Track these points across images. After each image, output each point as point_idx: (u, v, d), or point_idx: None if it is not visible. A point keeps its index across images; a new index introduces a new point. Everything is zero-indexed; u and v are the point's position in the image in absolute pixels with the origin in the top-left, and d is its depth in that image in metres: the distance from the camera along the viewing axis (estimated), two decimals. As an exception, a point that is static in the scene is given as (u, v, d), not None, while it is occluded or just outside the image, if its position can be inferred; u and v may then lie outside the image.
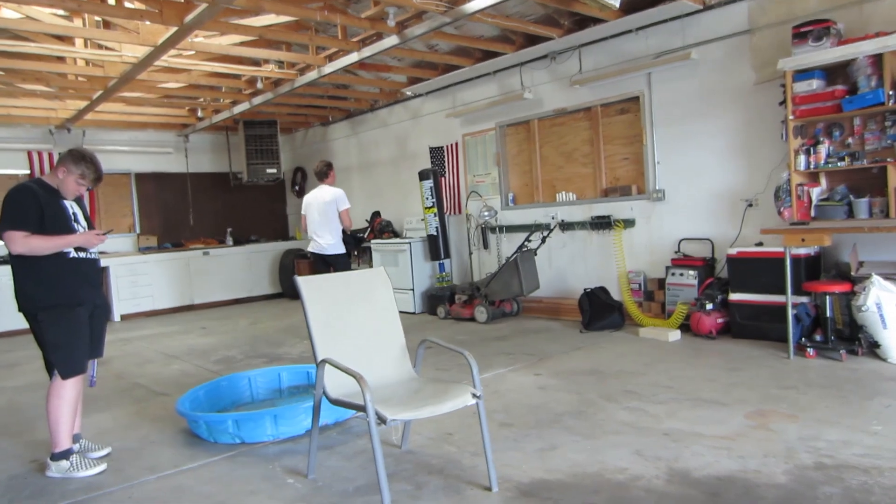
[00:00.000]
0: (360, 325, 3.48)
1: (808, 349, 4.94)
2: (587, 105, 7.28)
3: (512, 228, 8.28)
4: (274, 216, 12.70)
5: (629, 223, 6.96)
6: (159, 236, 11.07)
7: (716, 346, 5.55)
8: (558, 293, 7.80)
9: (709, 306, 5.81)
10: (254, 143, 10.69)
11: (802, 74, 5.19)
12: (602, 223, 7.21)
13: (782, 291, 5.16)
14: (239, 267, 11.37)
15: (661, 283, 6.58)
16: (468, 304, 7.97)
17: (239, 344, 7.37)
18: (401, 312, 7.68)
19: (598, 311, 6.73)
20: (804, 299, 5.25)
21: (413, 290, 8.73)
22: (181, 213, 11.43)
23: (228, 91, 8.97)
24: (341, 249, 7.01)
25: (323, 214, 6.89)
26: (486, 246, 8.62)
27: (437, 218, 8.63)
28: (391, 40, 6.40)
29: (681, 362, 5.13)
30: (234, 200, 11.97)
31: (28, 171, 9.96)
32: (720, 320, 5.83)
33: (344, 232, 7.04)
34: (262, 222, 12.41)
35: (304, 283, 3.35)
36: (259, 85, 8.11)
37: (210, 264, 11.02)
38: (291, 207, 12.75)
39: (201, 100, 9.37)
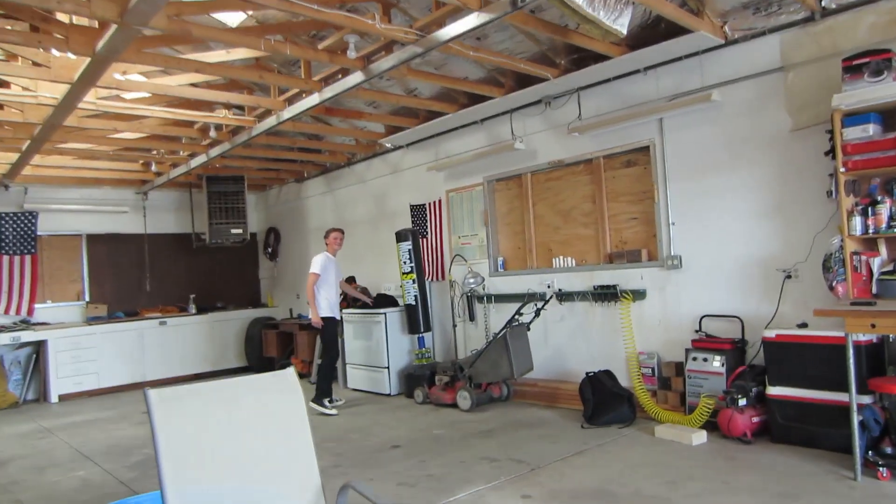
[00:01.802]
0: (246, 459, 2.32)
1: (881, 468, 3.75)
2: (588, 156, 6.28)
3: (501, 298, 7.16)
4: (244, 281, 11.58)
5: (639, 294, 5.85)
6: (110, 304, 9.91)
7: (754, 456, 4.34)
8: (556, 375, 6.61)
9: (742, 402, 4.63)
10: (218, 201, 9.68)
11: (855, 118, 4.18)
12: (606, 294, 6.10)
13: (837, 388, 4.08)
14: (201, 338, 10.18)
15: (680, 368, 5.41)
16: (450, 386, 6.77)
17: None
18: (375, 395, 6.32)
19: (603, 400, 5.54)
20: (867, 399, 4.08)
21: (388, 368, 7.53)
22: (137, 278, 10.31)
23: (185, 142, 8.01)
24: (325, 314, 6.91)
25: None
26: (472, 318, 7.48)
27: (416, 285, 7.53)
28: (356, 77, 5.44)
29: (714, 481, 3.92)
30: (198, 264, 10.86)
31: (-35, 232, 8.90)
32: (756, 419, 4.65)
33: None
34: (231, 288, 11.27)
35: (157, 395, 2.22)
36: (212, 133, 7.13)
37: (167, 335, 9.84)
38: (265, 271, 11.66)
39: (154, 152, 8.39)
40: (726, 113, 5.20)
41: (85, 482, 4.87)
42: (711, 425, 4.84)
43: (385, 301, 7.98)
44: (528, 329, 6.45)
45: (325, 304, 6.91)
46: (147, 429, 5.95)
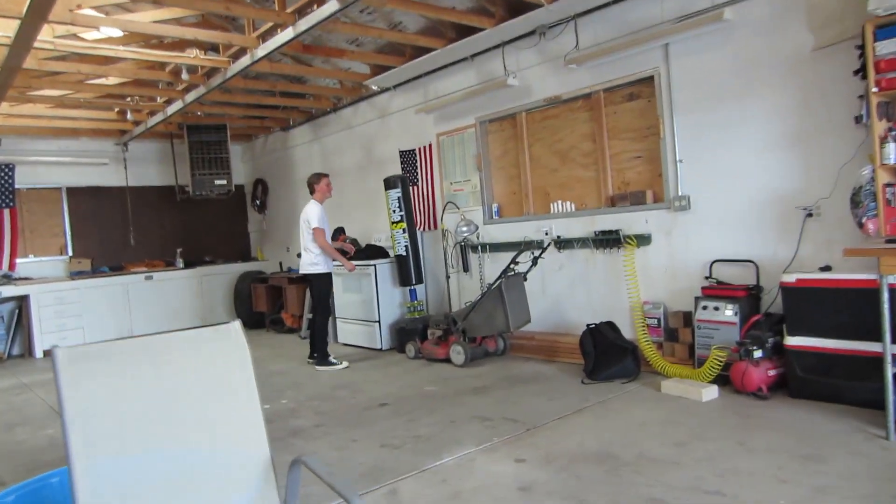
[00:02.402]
0: (179, 427, 1.95)
1: (915, 424, 3.39)
2: (587, 91, 5.77)
3: (497, 246, 6.75)
4: (233, 234, 11.18)
5: (643, 239, 5.43)
6: (95, 259, 9.54)
7: (771, 412, 3.98)
8: (554, 328, 6.25)
9: (757, 354, 4.25)
10: (200, 151, 9.20)
11: (890, 30, 3.68)
12: (608, 240, 5.68)
13: (867, 336, 3.67)
14: (189, 293, 9.85)
15: (688, 318, 5.03)
16: (443, 341, 6.42)
17: (151, 397, 5.83)
18: (365, 349, 5.94)
19: (605, 353, 5.18)
20: (897, 347, 3.69)
21: (379, 322, 7.18)
22: (121, 232, 9.91)
23: (159, 87, 7.50)
24: (317, 269, 6.48)
25: (301, 232, 6.56)
26: (465, 268, 7.09)
27: (406, 235, 7.11)
28: (331, 6, 4.91)
29: (728, 440, 3.56)
30: (184, 217, 10.46)
31: (-63, 187, 8.48)
32: (772, 372, 4.28)
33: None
34: (220, 242, 10.89)
35: (66, 355, 1.83)
36: (185, 76, 6.61)
37: (153, 290, 9.50)
38: (254, 224, 11.24)
39: (129, 99, 7.88)
40: (739, 34, 4.67)
41: (52, 441, 4.56)
42: (723, 379, 4.47)
43: (375, 252, 7.58)
44: (525, 279, 6.05)
45: (322, 258, 6.46)
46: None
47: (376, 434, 4.16)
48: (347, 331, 7.65)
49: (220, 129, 9.25)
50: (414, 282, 7.16)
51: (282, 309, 9.15)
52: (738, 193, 4.80)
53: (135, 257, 9.94)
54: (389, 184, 7.15)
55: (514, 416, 4.32)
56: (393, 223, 7.16)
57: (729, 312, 4.59)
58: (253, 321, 9.78)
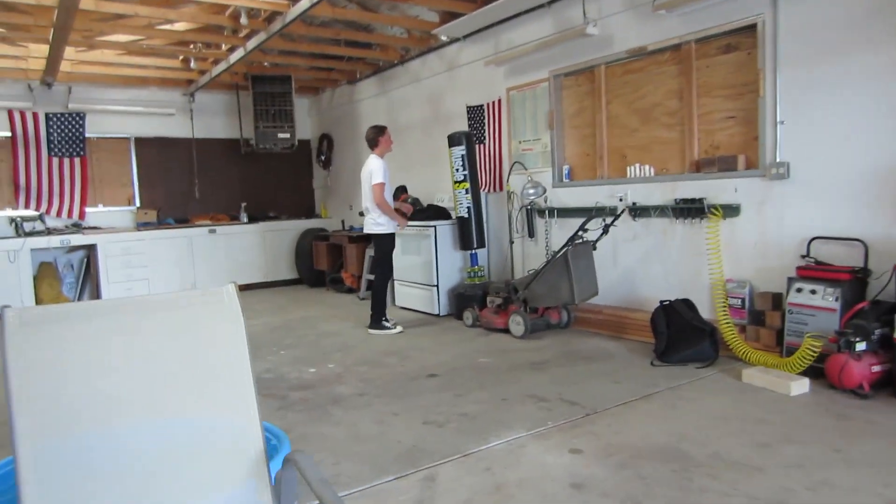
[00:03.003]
0: (154, 406, 1.65)
1: None
2: (676, 42, 5.15)
3: (566, 212, 6.26)
4: (298, 190, 11.05)
5: (731, 210, 4.84)
6: (161, 210, 9.58)
7: (874, 415, 3.43)
8: (624, 302, 5.76)
9: (860, 346, 3.67)
10: (264, 103, 9.01)
11: None
12: (690, 209, 5.11)
13: None
14: (252, 248, 9.79)
15: (778, 300, 4.46)
16: (502, 309, 6.04)
17: (201, 351, 5.73)
18: (422, 314, 5.67)
19: (679, 334, 4.68)
20: None
21: (437, 286, 6.86)
22: (187, 184, 9.92)
23: (218, 33, 7.27)
24: (380, 229, 6.16)
25: (366, 186, 6.14)
26: (531, 234, 6.64)
27: (469, 196, 6.70)
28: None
29: (821, 445, 3.06)
30: (249, 171, 10.37)
31: (10, 134, 8.63)
32: (877, 368, 3.69)
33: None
34: (284, 197, 10.78)
35: (18, 317, 1.53)
36: (243, 20, 6.34)
37: (217, 244, 9.48)
38: (318, 180, 11.07)
39: (192, 46, 7.70)
40: (866, -26, 3.97)
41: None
42: (816, 372, 3.92)
43: (436, 213, 7.23)
44: (594, 248, 5.57)
45: (386, 216, 6.14)
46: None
47: (420, 408, 3.85)
48: (405, 294, 7.37)
49: (285, 81, 9.01)
50: (475, 246, 6.78)
51: (342, 268, 8.96)
52: (847, 162, 4.15)
53: (200, 210, 9.94)
54: (453, 140, 6.73)
55: (573, 397, 3.91)
56: (456, 183, 6.77)
57: (828, 297, 4.00)
58: (314, 279, 9.66)
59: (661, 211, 5.35)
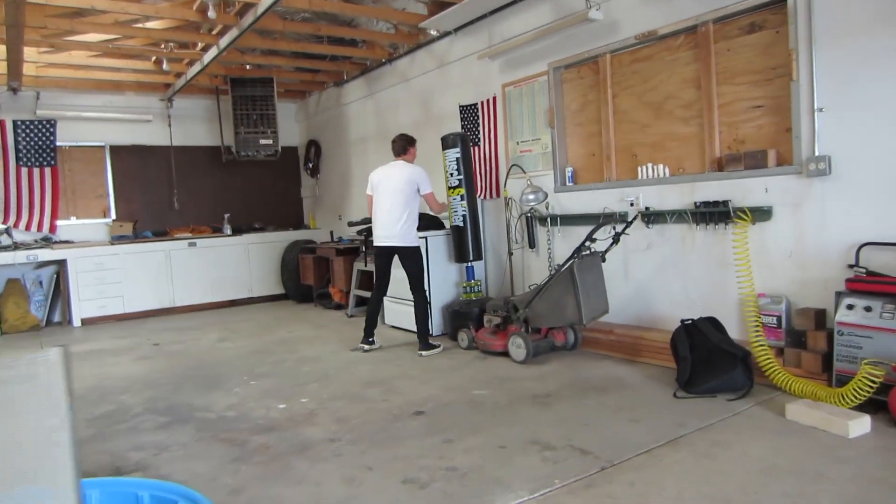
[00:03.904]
0: None
1: None
2: (691, 23, 4.52)
3: (570, 219, 5.62)
4: (286, 200, 10.44)
5: (761, 214, 4.20)
6: (138, 223, 8.97)
7: (959, 464, 2.77)
8: (638, 321, 5.11)
9: (933, 376, 3.02)
10: (244, 107, 8.42)
11: None
12: (713, 213, 4.47)
13: None
14: (236, 262, 9.18)
15: (822, 318, 3.81)
16: (501, 330, 5.40)
17: (165, 378, 5.10)
18: (413, 333, 4.94)
19: (705, 359, 4.03)
20: None
21: (430, 303, 6.20)
22: (165, 194, 9.32)
23: (192, 31, 6.69)
24: (414, 242, 5.61)
25: (397, 194, 5.51)
26: (532, 244, 6.00)
27: (465, 203, 6.08)
28: None
29: (903, 513, 2.40)
30: (233, 180, 9.77)
31: (-26, 142, 8.05)
32: (954, 403, 3.04)
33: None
34: (271, 207, 10.17)
35: None
36: (211, 13, 5.72)
37: (197, 258, 8.87)
38: (306, 189, 10.45)
39: (163, 46, 7.11)
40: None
41: None
42: (875, 405, 3.27)
43: (428, 222, 6.59)
44: (604, 260, 4.93)
45: (415, 229, 5.64)
46: (149, 364, 4.89)
47: (401, 459, 3.20)
48: (395, 311, 6.73)
49: (267, 83, 8.43)
50: (472, 258, 6.15)
51: (329, 283, 8.33)
52: (904, 153, 3.51)
53: (180, 222, 9.35)
54: (447, 142, 6.11)
55: (585, 443, 3.25)
56: (450, 188, 6.14)
57: (888, 315, 3.35)
58: (301, 294, 9.04)
59: (678, 216, 4.71)
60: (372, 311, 5.76)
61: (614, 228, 4.84)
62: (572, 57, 5.45)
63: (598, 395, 4.09)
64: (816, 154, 3.85)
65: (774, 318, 4.06)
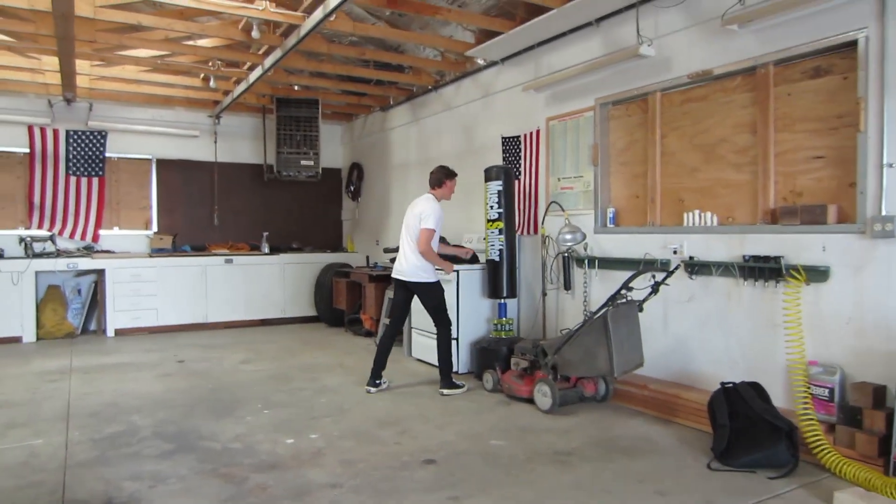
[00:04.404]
0: None
1: None
2: (749, 64, 4.24)
3: (608, 262, 5.34)
4: (326, 222, 10.40)
5: (817, 274, 3.85)
6: (178, 236, 9.03)
7: None
8: (674, 377, 4.77)
9: None
10: (288, 127, 8.42)
11: None
12: (763, 269, 4.13)
13: None
14: (271, 281, 9.14)
15: (881, 396, 3.43)
16: (528, 374, 5.12)
17: (181, 399, 4.99)
18: (437, 367, 4.55)
19: (746, 429, 3.68)
20: None
21: (457, 339, 5.97)
22: (206, 210, 9.37)
23: (231, 48, 6.71)
24: (427, 278, 5.34)
25: (409, 229, 5.36)
26: (567, 286, 5.72)
27: (503, 237, 5.85)
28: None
29: None
30: (274, 199, 9.78)
31: (28, 150, 8.25)
32: None
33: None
34: (310, 228, 10.14)
35: None
36: (255, 33, 5.70)
37: (233, 275, 8.85)
38: (347, 212, 10.39)
39: (210, 64, 7.16)
40: None
41: (31, 456, 3.73)
42: (938, 503, 2.88)
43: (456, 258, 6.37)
44: (641, 309, 4.62)
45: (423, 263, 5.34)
46: (168, 382, 4.76)
47: None
48: (422, 345, 6.52)
49: (312, 105, 8.42)
50: (506, 294, 5.90)
51: (361, 308, 8.18)
52: (983, 219, 3.14)
53: (219, 238, 9.37)
54: (491, 175, 5.91)
55: (603, 517, 2.96)
56: (489, 221, 5.93)
57: (958, 402, 2.97)
58: (333, 318, 8.92)
59: (724, 269, 4.38)
60: (382, 349, 5.40)
61: (654, 277, 4.54)
62: (621, 93, 5.20)
63: (625, 458, 3.78)
64: (883, 213, 3.51)
65: (826, 391, 3.68)
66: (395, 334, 5.51)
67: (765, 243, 4.15)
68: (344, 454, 3.80)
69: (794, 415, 3.70)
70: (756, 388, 3.87)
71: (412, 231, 5.30)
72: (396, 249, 6.74)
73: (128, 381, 5.68)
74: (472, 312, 6.07)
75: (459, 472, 3.52)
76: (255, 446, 3.94)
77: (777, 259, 4.04)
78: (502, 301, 5.95)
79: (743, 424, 3.71)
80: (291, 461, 3.69)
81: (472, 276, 6.10)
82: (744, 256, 4.24)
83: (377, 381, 5.33)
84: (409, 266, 5.31)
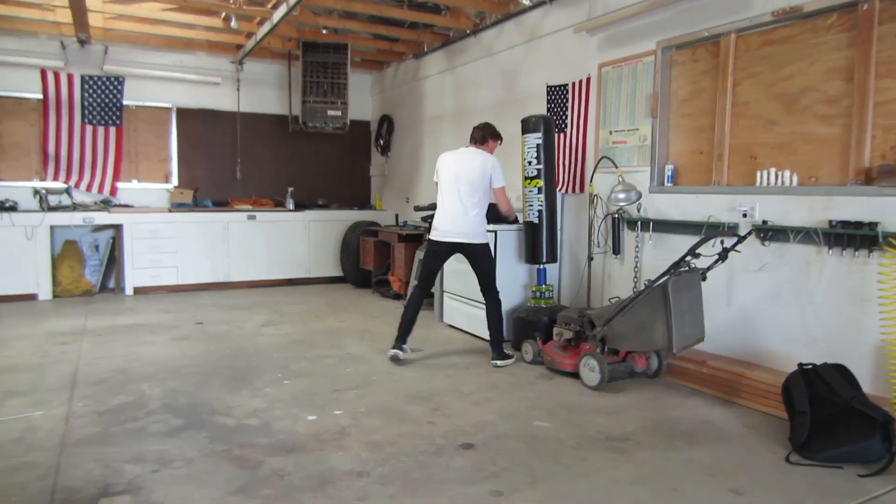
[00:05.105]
0: None
1: None
2: (848, -2, 3.64)
3: (665, 226, 4.82)
4: (354, 178, 9.93)
5: (921, 243, 3.31)
6: (199, 190, 8.64)
7: None
8: (738, 353, 4.29)
9: None
10: (314, 74, 7.90)
11: None
12: (853, 236, 3.59)
13: None
14: (295, 239, 8.74)
15: None
16: (572, 347, 4.67)
17: (196, 366, 4.64)
18: (474, 338, 4.23)
19: (829, 419, 3.21)
20: None
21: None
22: (229, 163, 8.96)
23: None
24: (486, 239, 4.94)
25: (470, 184, 4.80)
26: (616, 250, 5.21)
27: (543, 196, 5.34)
28: None
29: None
30: (300, 152, 9.33)
31: (41, 96, 7.85)
32: None
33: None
34: (337, 184, 9.69)
35: None
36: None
37: (256, 232, 8.47)
38: (376, 167, 9.91)
39: (231, 1, 6.63)
40: None
41: (27, 431, 3.39)
42: None
43: (499, 216, 5.87)
44: (704, 278, 4.13)
45: (485, 222, 4.97)
46: (184, 347, 4.53)
47: None
48: (455, 310, 6.10)
49: (340, 50, 7.87)
50: (545, 259, 5.41)
51: (389, 269, 7.77)
52: None
53: (241, 192, 8.98)
54: (529, 126, 5.37)
55: (673, 522, 2.52)
56: (527, 179, 5.41)
57: None
58: (360, 279, 8.54)
59: (805, 235, 3.85)
60: (411, 313, 4.95)
61: (722, 243, 4.02)
62: (687, 35, 4.60)
63: (688, 446, 3.33)
64: None
65: (930, 378, 3.18)
66: (423, 299, 5.08)
67: (856, 207, 3.60)
68: (371, 435, 3.41)
69: (887, 403, 3.22)
70: (841, 372, 3.38)
71: (475, 186, 4.78)
72: (430, 207, 6.27)
73: (142, 344, 5.36)
74: (508, 278, 5.59)
75: (501, 460, 3.11)
76: (273, 423, 3.56)
77: (872, 225, 3.49)
78: (542, 266, 5.47)
79: (826, 412, 3.24)
80: (312, 442, 3.30)
81: (508, 239, 5.61)
82: (830, 221, 3.70)
83: (403, 346, 4.90)
84: (469, 226, 4.80)
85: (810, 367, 3.44)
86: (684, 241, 4.45)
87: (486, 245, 4.93)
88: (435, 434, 3.43)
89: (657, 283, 3.95)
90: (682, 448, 3.30)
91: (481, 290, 5.00)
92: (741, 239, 3.96)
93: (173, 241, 8.03)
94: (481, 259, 4.90)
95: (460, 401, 4.01)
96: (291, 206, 8.85)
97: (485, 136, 4.96)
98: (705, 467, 3.07)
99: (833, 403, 3.25)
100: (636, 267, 5.03)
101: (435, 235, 4.95)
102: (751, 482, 2.91)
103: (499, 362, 4.83)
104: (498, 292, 5.00)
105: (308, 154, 9.37)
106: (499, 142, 5.05)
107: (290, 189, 8.92)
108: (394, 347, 4.87)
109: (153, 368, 4.59)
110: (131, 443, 3.23)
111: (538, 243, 5.40)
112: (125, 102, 8.24)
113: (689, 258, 3.92)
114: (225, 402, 3.88)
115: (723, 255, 3.99)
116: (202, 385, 4.23)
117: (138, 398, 3.94)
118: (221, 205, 8.64)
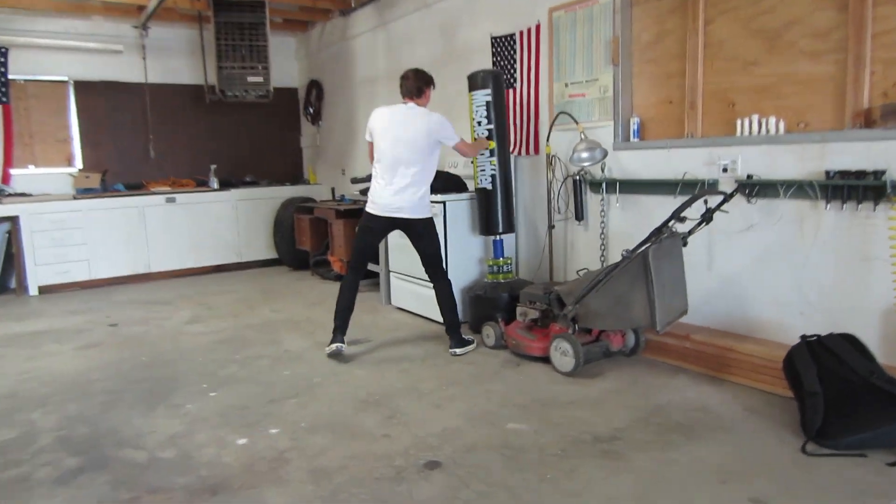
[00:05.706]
0: None
1: None
2: (841, -90, 3.14)
3: (633, 186, 4.32)
4: (284, 150, 9.13)
5: (936, 191, 2.89)
6: (108, 173, 7.70)
7: None
8: (725, 324, 3.87)
9: None
10: (229, 37, 7.05)
11: None
12: (854, 188, 3.16)
13: None
14: (223, 221, 7.94)
15: None
16: (539, 326, 4.16)
17: (104, 381, 3.91)
18: (426, 321, 3.19)
19: (844, 397, 2.81)
20: None
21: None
22: (141, 141, 8.04)
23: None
24: (430, 213, 4.32)
25: (415, 152, 4.16)
26: (579, 216, 4.71)
27: (494, 160, 4.77)
28: None
29: None
30: (221, 126, 8.46)
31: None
32: None
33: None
34: (265, 159, 8.88)
35: None
36: None
37: (177, 216, 7.63)
38: (307, 138, 9.13)
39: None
40: None
41: None
42: None
43: (448, 183, 5.29)
44: (685, 244, 3.66)
45: (428, 194, 4.32)
46: (81, 362, 3.38)
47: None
48: (403, 291, 5.52)
49: (257, 7, 7.02)
50: (501, 230, 4.86)
51: (328, 249, 7.10)
52: None
53: (157, 173, 8.08)
54: (476, 82, 4.76)
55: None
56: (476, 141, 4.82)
57: None
58: (296, 260, 7.85)
59: (797, 189, 3.40)
60: (347, 299, 4.32)
61: (706, 202, 3.55)
62: (649, -32, 4.06)
63: (688, 441, 2.87)
64: None
65: (957, 346, 2.79)
66: (359, 282, 4.46)
67: (856, 154, 3.16)
68: (315, 459, 2.82)
69: (908, 378, 2.81)
70: (852, 342, 2.96)
71: (418, 153, 4.13)
72: (368, 179, 5.60)
73: (41, 357, 4.57)
74: (461, 253, 5.05)
75: (475, 481, 2.57)
76: (194, 454, 2.92)
77: (877, 174, 3.06)
78: (497, 238, 4.92)
79: (840, 391, 2.83)
80: (243, 475, 2.69)
81: (459, 209, 5.04)
82: (827, 172, 3.25)
83: (342, 338, 4.26)
84: (411, 199, 4.17)
85: (815, 337, 3.02)
86: (657, 203, 3.98)
87: (430, 220, 4.31)
88: (393, 452, 2.86)
89: (636, 253, 3.45)
90: (681, 445, 2.84)
91: (426, 271, 4.41)
92: (728, 197, 3.48)
93: (81, 232, 7.13)
94: (426, 236, 4.30)
95: (419, 403, 3.45)
96: (216, 186, 8.01)
97: (419, 86, 4.26)
98: (714, 470, 2.60)
99: (847, 380, 2.84)
100: (602, 233, 4.54)
101: (371, 209, 4.32)
102: (770, 485, 2.46)
103: (458, 350, 4.28)
104: (446, 272, 4.43)
105: (230, 127, 8.51)
106: (433, 86, 4.37)
107: (213, 167, 8.07)
108: (332, 342, 4.24)
109: (50, 388, 3.85)
110: (4, 502, 2.54)
111: (492, 212, 4.84)
112: (11, 77, 7.21)
113: (672, 223, 3.42)
114: (136, 428, 3.21)
115: (707, 217, 3.52)
116: (109, 406, 3.53)
117: (26, 432, 3.22)
118: (135, 188, 7.74)
